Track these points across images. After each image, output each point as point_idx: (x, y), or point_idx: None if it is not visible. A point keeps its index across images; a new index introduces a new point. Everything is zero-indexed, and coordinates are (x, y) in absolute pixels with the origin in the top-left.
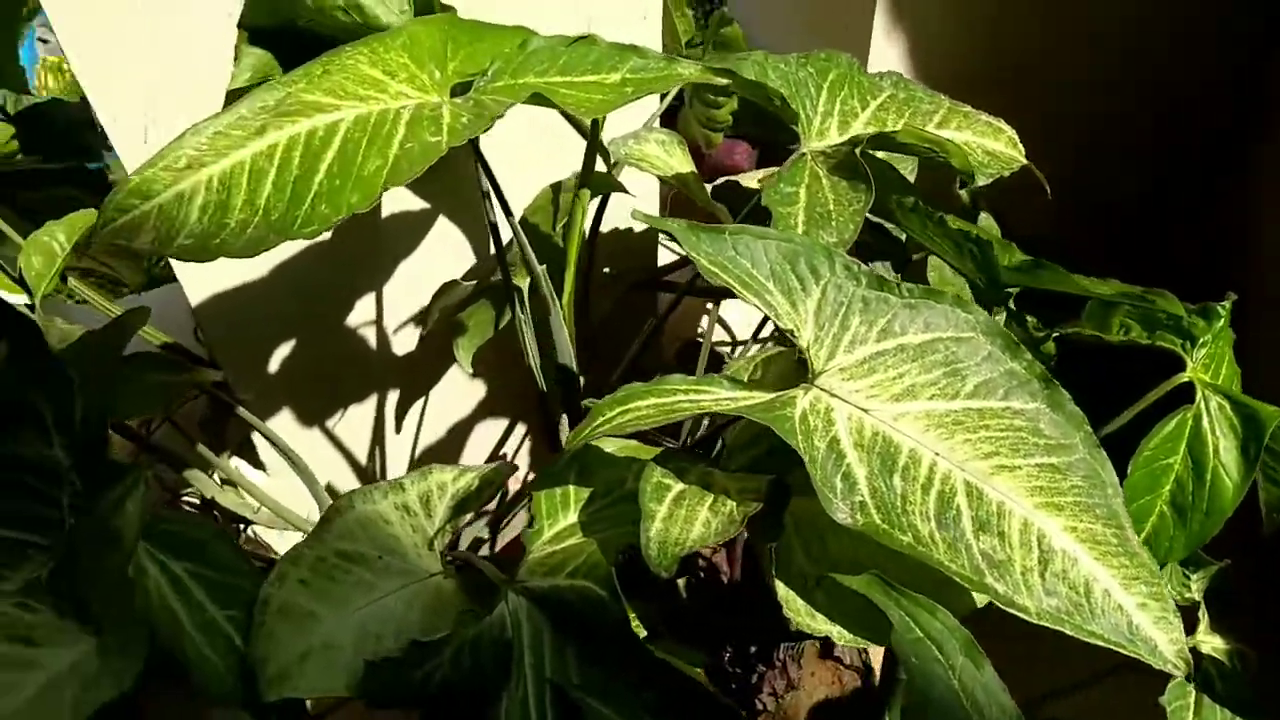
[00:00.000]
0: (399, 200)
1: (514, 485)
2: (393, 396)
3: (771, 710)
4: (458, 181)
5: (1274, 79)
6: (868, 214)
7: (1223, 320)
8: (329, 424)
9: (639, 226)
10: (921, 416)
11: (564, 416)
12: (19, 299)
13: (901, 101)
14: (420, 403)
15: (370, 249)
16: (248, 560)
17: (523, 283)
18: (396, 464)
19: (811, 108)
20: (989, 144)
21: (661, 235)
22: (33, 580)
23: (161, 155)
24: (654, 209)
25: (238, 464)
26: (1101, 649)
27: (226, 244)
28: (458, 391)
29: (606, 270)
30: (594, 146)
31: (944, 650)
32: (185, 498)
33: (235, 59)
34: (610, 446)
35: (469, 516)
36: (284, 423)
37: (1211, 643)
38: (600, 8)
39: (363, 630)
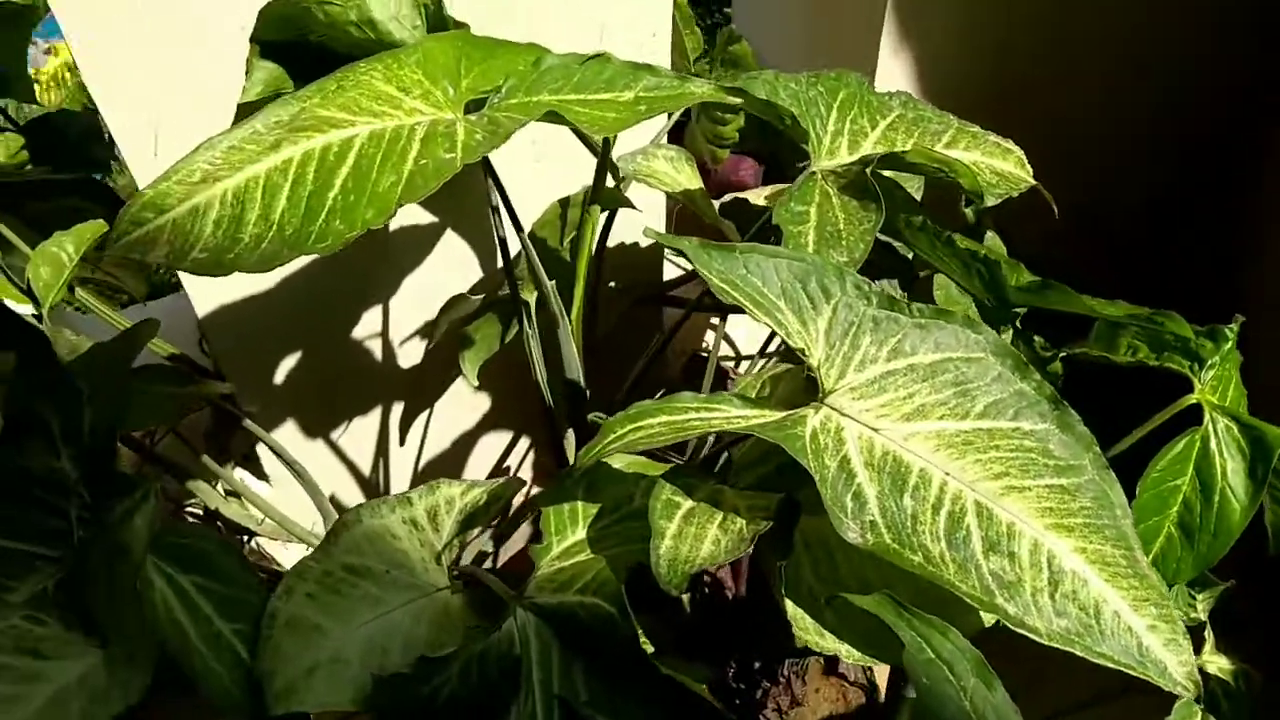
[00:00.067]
0: (406, 213)
1: (517, 499)
2: (397, 409)
3: None
4: (464, 195)
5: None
6: None
7: (1230, 342)
8: (333, 435)
9: (645, 241)
10: (932, 436)
11: (570, 431)
12: (26, 309)
13: (910, 121)
14: (424, 415)
15: (377, 261)
16: (254, 573)
17: (530, 297)
18: (400, 476)
19: (821, 127)
20: (997, 164)
21: (668, 250)
22: (39, 592)
23: (176, 169)
24: (660, 224)
25: (242, 475)
26: (1109, 669)
27: (241, 259)
28: (462, 404)
29: (612, 284)
30: (604, 164)
31: (955, 671)
32: (189, 508)
33: (247, 73)
34: (618, 462)
35: (476, 531)
36: (288, 434)
37: (1217, 663)
38: (611, 25)
39: (370, 644)
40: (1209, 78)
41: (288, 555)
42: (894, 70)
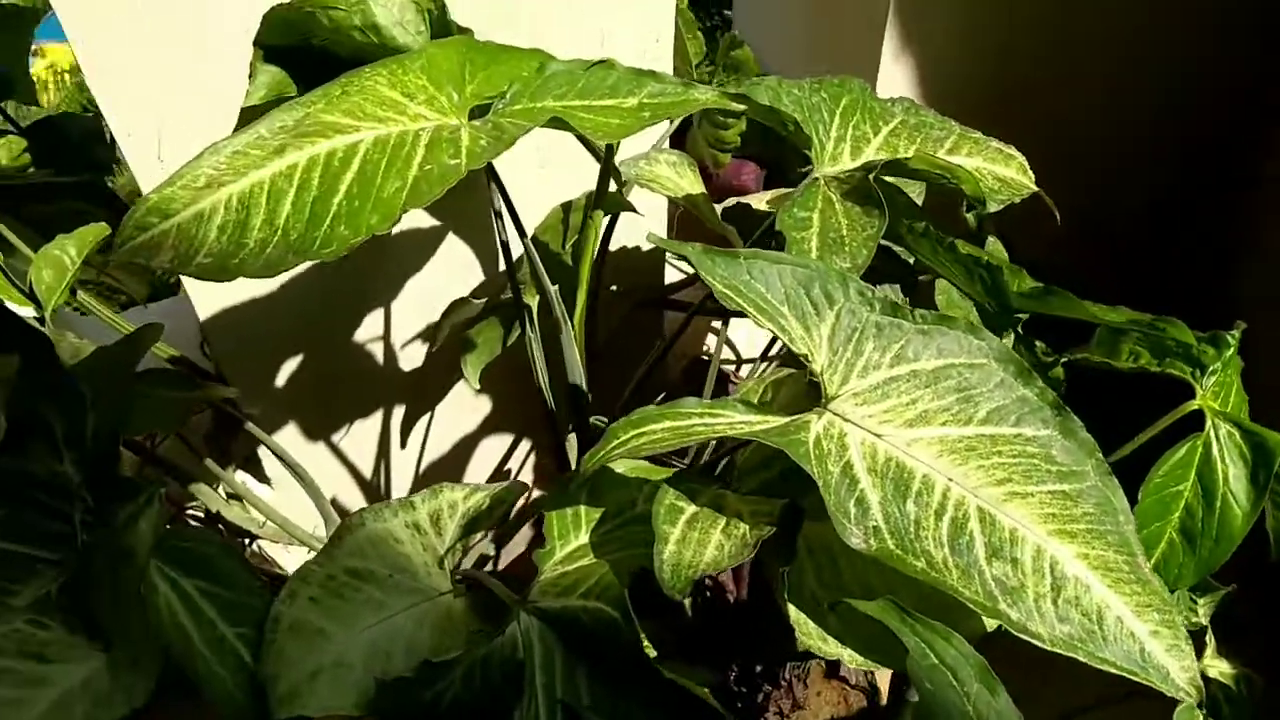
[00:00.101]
0: (407, 217)
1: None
2: (398, 412)
3: None
4: (467, 199)
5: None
6: None
7: (1232, 348)
8: (335, 438)
9: (647, 245)
10: (935, 442)
11: (572, 434)
12: (27, 311)
13: (913, 127)
14: (426, 418)
15: (379, 265)
16: (257, 577)
17: (532, 301)
18: (401, 479)
19: (824, 133)
20: (999, 170)
21: (670, 254)
22: (43, 596)
23: (180, 174)
24: (662, 228)
25: (243, 478)
26: (1112, 674)
27: (245, 264)
28: (463, 407)
29: (613, 288)
30: (608, 169)
31: (959, 677)
32: (189, 511)
33: (250, 76)
34: (621, 467)
35: (479, 535)
36: (290, 437)
37: (1218, 667)
38: (614, 30)
39: (373, 648)
40: (1210, 80)
41: (289, 558)
42: (896, 74)
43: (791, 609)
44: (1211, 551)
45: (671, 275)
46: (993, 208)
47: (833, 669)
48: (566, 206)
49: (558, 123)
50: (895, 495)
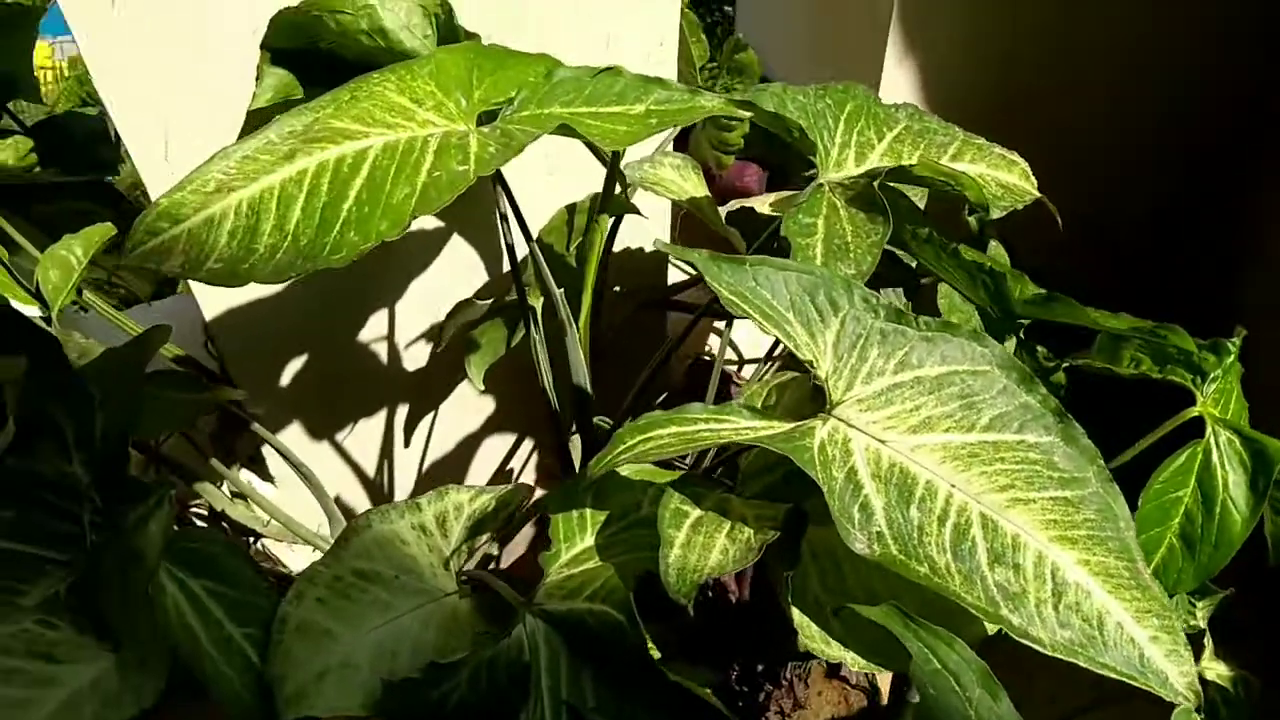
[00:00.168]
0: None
1: None
2: (402, 411)
3: None
4: (471, 201)
5: None
6: None
7: (1232, 355)
8: (339, 437)
9: (650, 246)
10: (938, 448)
11: (575, 435)
12: (33, 311)
13: (916, 133)
14: (429, 418)
15: (384, 265)
16: (264, 577)
17: (536, 302)
18: (405, 478)
19: (829, 139)
20: (1002, 176)
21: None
22: (51, 596)
23: (190, 179)
24: (665, 230)
25: (248, 477)
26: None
27: (255, 269)
28: (466, 407)
29: (616, 289)
30: (613, 174)
31: (961, 682)
32: (194, 509)
33: (257, 79)
34: (625, 470)
35: (485, 537)
36: (294, 436)
37: (1216, 669)
38: (619, 34)
39: (379, 649)
40: (1213, 87)
41: (294, 557)
42: (899, 79)
43: (795, 613)
44: (1211, 557)
45: (674, 275)
46: (996, 214)
47: (834, 669)
48: (571, 208)
49: (565, 130)
50: (899, 501)
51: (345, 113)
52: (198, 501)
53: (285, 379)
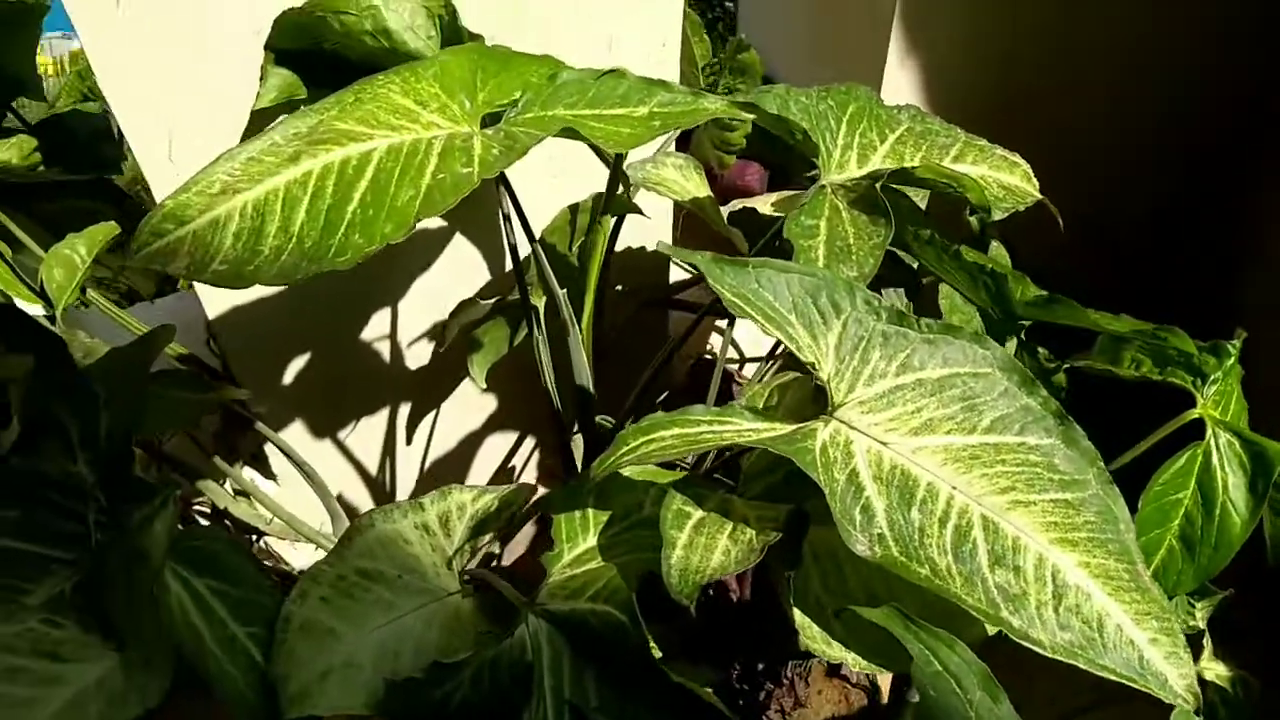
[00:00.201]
0: None
1: None
2: (404, 409)
3: None
4: (474, 200)
5: None
6: None
7: (1232, 358)
8: (341, 435)
9: (652, 245)
10: (939, 450)
11: (577, 434)
12: (36, 309)
13: (919, 135)
14: (431, 416)
15: (387, 264)
16: (268, 576)
17: (539, 302)
18: (406, 476)
19: (832, 141)
20: (1004, 178)
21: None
22: (56, 595)
23: (195, 180)
24: (668, 229)
25: (250, 474)
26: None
27: (260, 271)
28: (468, 406)
29: (619, 288)
30: (616, 175)
31: (962, 684)
32: (196, 506)
33: (261, 79)
34: (628, 470)
35: (488, 537)
36: (297, 434)
37: (1215, 670)
38: (621, 35)
39: (382, 648)
40: (1214, 87)
41: (296, 554)
42: (900, 80)
43: (797, 613)
44: (1210, 558)
45: (675, 274)
46: (998, 216)
47: (834, 667)
48: (574, 208)
49: (569, 132)
50: (900, 503)
51: (350, 115)
52: (200, 499)
53: (288, 377)
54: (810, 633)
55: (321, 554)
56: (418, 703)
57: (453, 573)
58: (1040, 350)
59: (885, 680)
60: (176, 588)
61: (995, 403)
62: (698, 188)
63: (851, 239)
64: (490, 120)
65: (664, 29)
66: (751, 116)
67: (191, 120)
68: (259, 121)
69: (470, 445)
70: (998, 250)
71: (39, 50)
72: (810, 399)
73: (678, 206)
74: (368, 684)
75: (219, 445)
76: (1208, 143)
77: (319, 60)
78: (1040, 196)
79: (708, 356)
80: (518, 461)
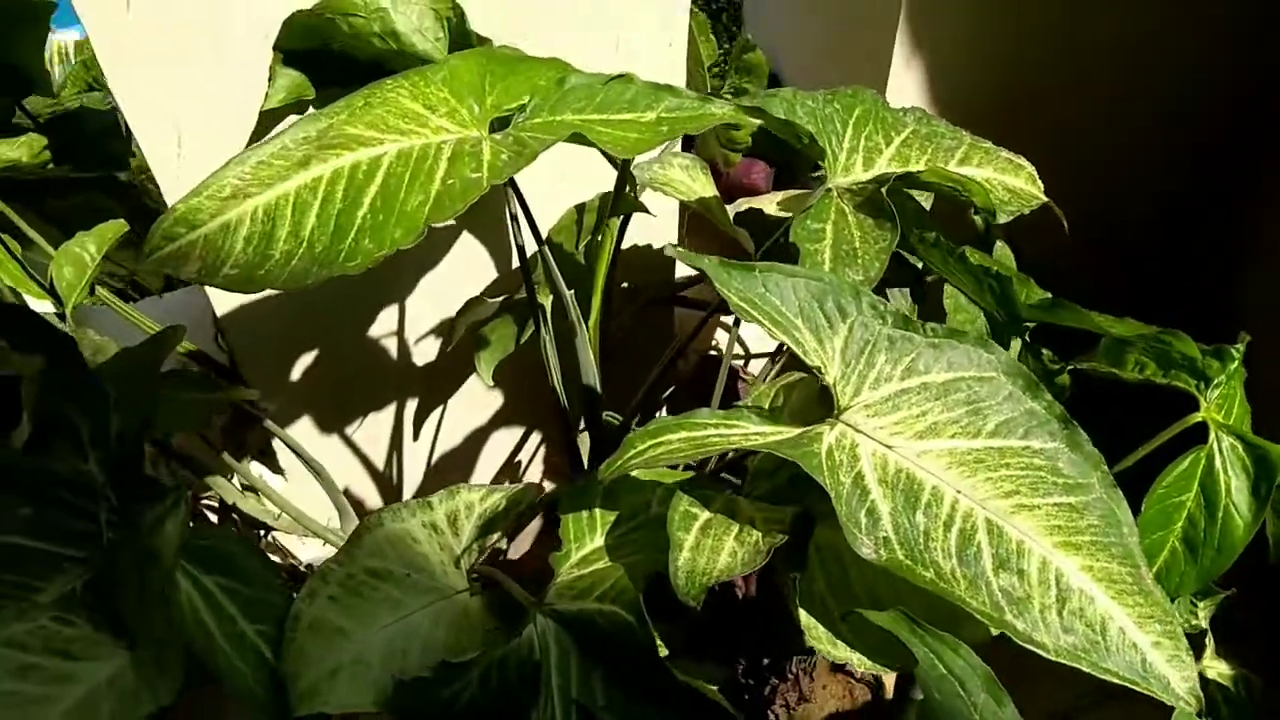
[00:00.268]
0: None
1: None
2: (411, 405)
3: None
4: (482, 200)
5: None
6: None
7: (1236, 361)
8: (348, 431)
9: (658, 243)
10: (944, 454)
11: (585, 433)
12: (45, 306)
13: (924, 138)
14: (438, 412)
15: (395, 262)
16: (277, 574)
17: (546, 300)
18: (413, 471)
19: (838, 144)
20: (1009, 180)
21: None
22: (68, 593)
23: (206, 184)
24: (673, 228)
25: (258, 470)
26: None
27: (271, 275)
28: (475, 402)
29: (625, 285)
30: (624, 177)
31: (966, 687)
32: (204, 501)
33: (270, 79)
34: (635, 471)
35: (495, 535)
36: (305, 430)
37: (1217, 668)
38: (628, 37)
39: (390, 647)
40: (1219, 86)
41: (304, 549)
42: (906, 81)
43: (802, 614)
44: (1213, 560)
45: (681, 271)
46: (1003, 219)
47: (838, 664)
48: (580, 208)
49: (577, 138)
50: (905, 506)
51: (359, 119)
52: (209, 494)
53: (296, 373)
54: (815, 633)
55: (329, 549)
56: (426, 701)
57: (460, 571)
58: (1044, 352)
59: (889, 676)
60: (187, 586)
61: (1000, 407)
62: (704, 188)
63: (857, 243)
64: (499, 125)
65: (671, 30)
66: (759, 121)
67: (200, 120)
68: (268, 121)
69: (476, 441)
70: (1002, 251)
71: None
72: (816, 400)
73: (684, 205)
74: (376, 682)
75: (227, 441)
76: (1213, 143)
77: (328, 61)
78: (1046, 199)
79: (713, 353)
80: (524, 457)
